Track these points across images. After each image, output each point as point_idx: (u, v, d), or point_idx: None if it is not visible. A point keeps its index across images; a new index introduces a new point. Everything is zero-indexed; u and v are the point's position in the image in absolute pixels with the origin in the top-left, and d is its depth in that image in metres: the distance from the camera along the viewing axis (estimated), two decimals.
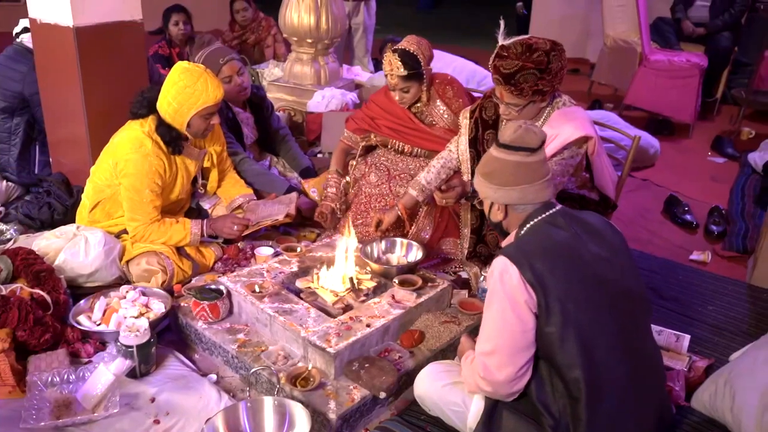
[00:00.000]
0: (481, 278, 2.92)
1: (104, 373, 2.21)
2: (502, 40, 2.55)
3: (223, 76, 3.44)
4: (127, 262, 3.00)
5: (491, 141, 2.86)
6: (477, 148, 2.89)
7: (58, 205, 3.39)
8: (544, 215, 1.96)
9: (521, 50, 2.48)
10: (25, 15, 3.45)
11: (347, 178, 3.42)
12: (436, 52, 3.37)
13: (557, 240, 1.90)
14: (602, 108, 6.14)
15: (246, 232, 3.11)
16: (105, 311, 2.65)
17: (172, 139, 2.95)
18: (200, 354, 2.66)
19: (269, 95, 4.45)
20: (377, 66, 6.66)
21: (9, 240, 3.16)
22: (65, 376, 2.31)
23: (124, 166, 2.89)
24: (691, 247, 3.80)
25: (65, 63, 3.26)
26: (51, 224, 3.30)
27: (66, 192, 3.45)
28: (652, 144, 5.02)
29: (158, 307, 2.69)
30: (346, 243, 2.78)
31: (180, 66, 2.91)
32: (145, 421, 2.20)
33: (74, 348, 2.50)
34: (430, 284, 2.77)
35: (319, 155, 4.64)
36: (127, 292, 2.74)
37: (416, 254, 2.95)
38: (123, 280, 2.99)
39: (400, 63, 3.06)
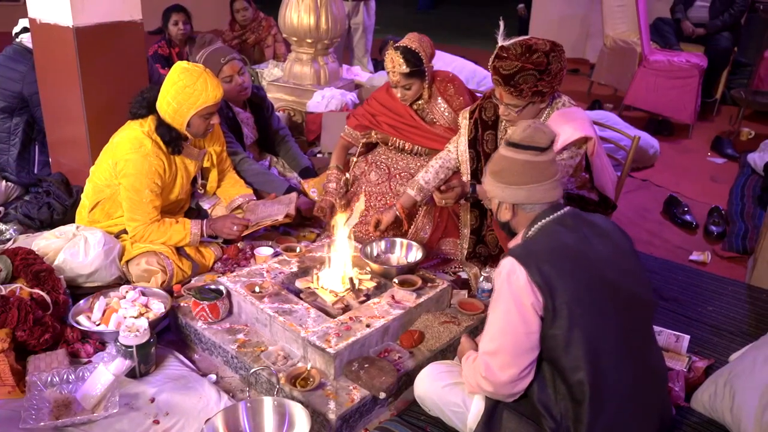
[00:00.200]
0: (481, 278, 2.93)
1: (104, 373, 2.21)
2: (501, 41, 2.55)
3: (223, 75, 3.45)
4: (127, 262, 2.99)
5: (491, 142, 2.86)
6: (476, 149, 2.89)
7: (57, 205, 3.39)
8: (552, 216, 1.95)
9: (521, 51, 2.48)
10: (25, 15, 3.45)
11: (347, 175, 3.42)
12: (436, 52, 3.37)
13: (566, 242, 1.89)
14: (602, 108, 6.15)
15: (246, 233, 3.11)
16: (104, 311, 2.65)
17: (171, 139, 2.95)
18: (200, 354, 2.66)
19: (269, 95, 4.45)
20: (377, 66, 6.67)
21: (8, 240, 3.15)
22: (65, 376, 2.30)
23: (123, 166, 2.88)
24: (691, 247, 3.80)
25: (65, 63, 3.26)
26: (50, 224, 3.30)
27: (65, 192, 3.45)
28: (651, 144, 5.02)
29: (158, 307, 2.69)
30: (344, 239, 2.78)
31: (179, 66, 2.91)
32: (144, 421, 2.20)
33: (74, 348, 2.50)
34: (429, 284, 2.77)
35: (319, 155, 4.65)
36: (126, 292, 2.74)
37: (416, 254, 2.95)
38: (122, 280, 2.99)
39: (402, 60, 3.06)
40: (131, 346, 2.33)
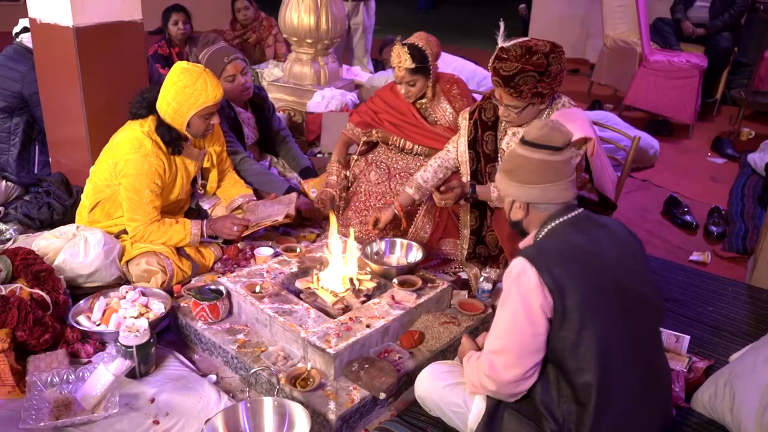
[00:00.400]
0: (481, 279, 2.92)
1: (104, 373, 2.21)
2: (501, 42, 2.55)
3: (226, 75, 3.45)
4: (127, 262, 2.99)
5: (490, 142, 2.87)
6: (476, 150, 2.89)
7: (57, 205, 3.39)
8: (565, 217, 1.94)
9: (521, 52, 2.48)
10: (25, 15, 3.45)
11: (347, 173, 3.43)
12: None
13: (578, 244, 1.87)
14: (602, 108, 6.15)
15: (246, 233, 3.11)
16: (104, 311, 2.65)
17: (171, 139, 2.95)
18: (200, 354, 2.66)
19: (269, 95, 4.45)
20: (377, 66, 6.67)
21: (8, 240, 3.15)
22: (65, 377, 2.30)
23: (123, 166, 2.88)
24: (691, 247, 3.80)
25: (65, 63, 3.26)
26: (50, 224, 3.30)
27: (65, 192, 3.44)
28: (651, 144, 5.03)
29: (158, 308, 2.69)
30: (343, 241, 2.78)
31: (179, 66, 2.90)
32: (144, 421, 2.20)
33: (74, 348, 2.49)
34: (429, 285, 2.77)
35: (319, 155, 4.64)
36: (126, 292, 2.74)
37: (416, 255, 2.95)
38: (123, 280, 2.99)
39: (408, 56, 3.09)
40: (131, 347, 2.33)
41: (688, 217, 4.10)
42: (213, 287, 2.68)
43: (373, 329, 2.45)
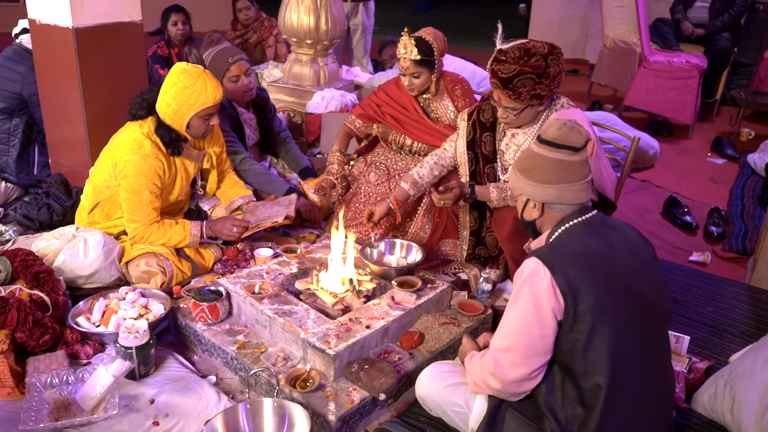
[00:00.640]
0: (481, 280, 2.92)
1: (103, 374, 2.20)
2: (500, 44, 2.55)
3: (230, 75, 3.47)
4: (127, 263, 2.99)
5: (489, 143, 2.86)
6: (475, 150, 2.89)
7: (57, 206, 3.38)
8: (580, 218, 1.92)
9: (519, 54, 2.48)
10: (25, 15, 3.45)
11: (347, 172, 3.43)
12: None
13: (592, 247, 1.86)
14: (602, 109, 6.15)
15: (245, 234, 3.11)
16: (104, 312, 2.65)
17: (171, 140, 2.95)
18: (199, 355, 2.66)
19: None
20: (376, 67, 6.67)
21: (8, 241, 3.15)
22: (64, 378, 2.30)
23: (123, 167, 2.88)
24: (691, 248, 3.80)
25: (64, 64, 3.26)
26: (50, 225, 3.30)
27: (65, 193, 3.44)
28: (651, 145, 5.03)
29: (157, 309, 2.69)
30: (344, 242, 2.78)
31: (179, 67, 2.90)
32: (144, 422, 2.20)
33: (73, 349, 2.49)
34: (429, 286, 2.77)
35: (318, 156, 4.64)
36: (126, 293, 2.74)
37: (416, 255, 2.95)
38: (122, 281, 2.99)
39: (414, 47, 3.11)
40: (131, 348, 2.33)
41: (688, 218, 4.10)
42: (213, 288, 2.68)
43: (373, 330, 2.45)
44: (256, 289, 2.66)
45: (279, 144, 3.93)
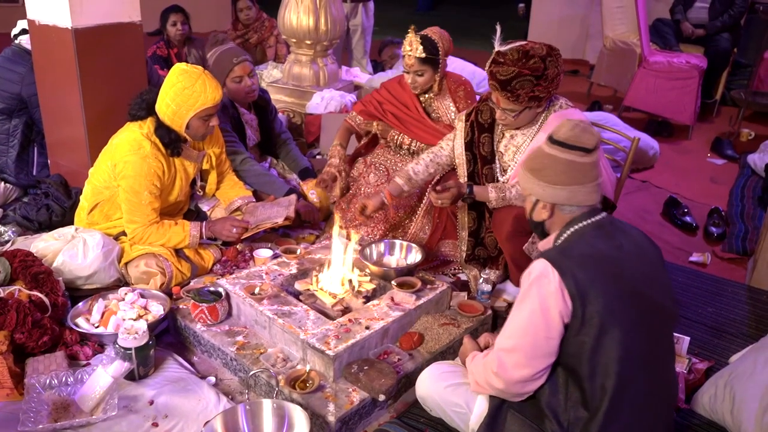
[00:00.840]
0: (480, 280, 2.92)
1: (102, 375, 2.20)
2: (498, 46, 2.55)
3: (234, 75, 3.47)
4: (126, 264, 2.99)
5: (487, 144, 2.86)
6: (473, 151, 2.89)
7: (56, 206, 3.38)
8: (590, 220, 1.90)
9: (517, 56, 2.48)
10: (24, 16, 3.45)
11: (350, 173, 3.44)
12: None
13: (601, 249, 1.84)
14: (601, 109, 6.15)
15: (245, 235, 3.10)
16: (103, 313, 2.64)
17: (170, 140, 2.94)
18: (199, 356, 2.65)
19: None
20: (376, 67, 6.66)
21: (7, 242, 3.15)
22: (63, 379, 2.30)
23: (122, 167, 2.88)
24: (691, 248, 3.79)
25: (64, 64, 3.26)
26: (49, 226, 3.29)
27: (64, 194, 3.44)
28: (651, 145, 5.02)
29: (157, 310, 2.69)
30: (344, 244, 2.78)
31: (178, 68, 2.90)
32: (143, 423, 2.19)
33: (72, 350, 2.49)
34: (429, 286, 2.77)
35: (318, 157, 4.64)
36: (125, 294, 2.73)
37: (415, 256, 2.95)
38: (121, 282, 2.99)
39: (420, 45, 3.12)
40: (130, 349, 2.33)
41: (687, 218, 4.10)
42: (212, 289, 2.68)
43: (373, 331, 2.45)
44: (256, 290, 2.66)
45: (279, 145, 3.93)
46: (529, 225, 2.67)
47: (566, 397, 1.84)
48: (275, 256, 3.03)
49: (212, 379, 2.50)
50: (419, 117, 3.33)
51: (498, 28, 2.60)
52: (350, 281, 2.71)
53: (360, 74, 6.08)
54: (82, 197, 3.14)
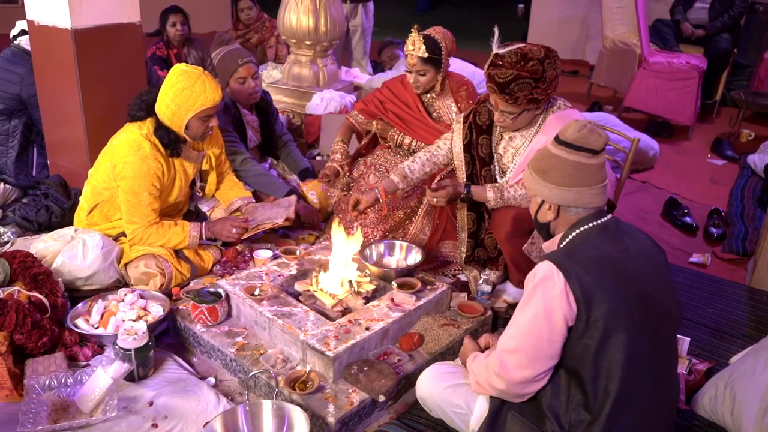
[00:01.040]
0: (481, 281, 2.92)
1: (102, 376, 2.20)
2: (496, 48, 2.54)
3: (238, 76, 3.49)
4: (126, 265, 2.98)
5: (485, 146, 2.86)
6: (471, 153, 2.89)
7: (55, 207, 3.38)
8: (596, 222, 1.89)
9: (516, 59, 2.47)
10: (23, 17, 3.45)
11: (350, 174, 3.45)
12: None
13: (607, 252, 1.83)
14: (601, 110, 6.15)
15: (245, 236, 3.10)
16: (103, 314, 2.64)
17: (170, 141, 2.94)
18: (198, 357, 2.65)
19: None
20: (376, 68, 6.67)
21: (6, 243, 3.14)
22: (63, 380, 2.29)
23: (122, 168, 2.88)
24: (691, 249, 3.79)
25: (63, 65, 3.26)
26: (49, 227, 3.29)
27: (64, 194, 3.44)
28: (651, 146, 5.02)
29: (156, 310, 2.68)
30: (346, 245, 2.77)
31: (178, 68, 2.90)
32: (143, 424, 2.19)
33: (72, 351, 2.49)
34: (429, 287, 2.76)
35: (318, 158, 4.63)
36: (125, 295, 2.73)
37: (415, 257, 2.95)
38: (121, 283, 2.98)
39: (422, 44, 3.13)
40: (130, 350, 2.33)
41: (688, 219, 4.09)
42: (212, 290, 2.67)
43: (372, 332, 2.45)
44: (256, 291, 2.65)
45: (280, 147, 3.93)
46: (528, 225, 2.69)
47: (568, 398, 1.84)
48: (275, 257, 3.03)
49: (212, 380, 2.50)
50: (420, 116, 3.34)
51: (496, 30, 2.59)
52: (350, 282, 2.71)
53: (360, 75, 6.08)
54: (81, 198, 3.14)
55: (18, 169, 3.75)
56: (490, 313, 2.80)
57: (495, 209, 2.83)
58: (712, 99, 6.48)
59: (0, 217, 3.52)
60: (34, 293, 2.56)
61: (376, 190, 2.99)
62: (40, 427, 2.11)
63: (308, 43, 5.14)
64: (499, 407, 1.95)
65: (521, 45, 2.52)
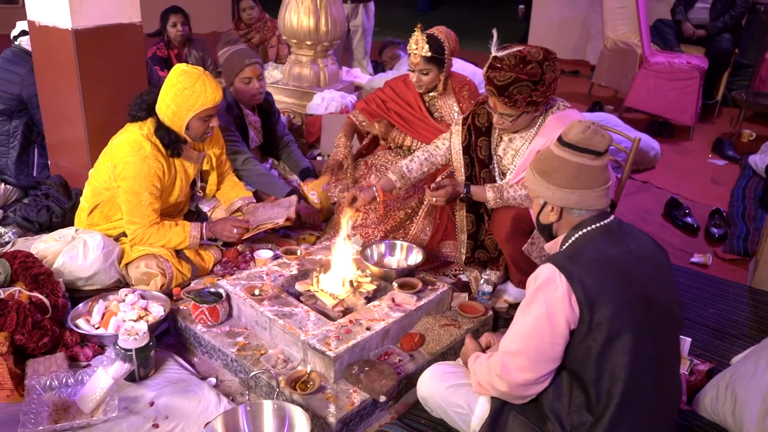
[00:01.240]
0: (481, 281, 2.91)
1: (103, 376, 2.20)
2: (495, 51, 2.54)
3: (243, 76, 3.50)
4: (126, 265, 2.98)
5: (484, 148, 2.86)
6: (470, 155, 2.89)
7: (56, 207, 3.38)
8: (599, 224, 1.87)
9: (515, 62, 2.47)
10: (23, 17, 3.45)
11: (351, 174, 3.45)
12: None
13: (610, 254, 1.82)
14: (602, 110, 6.15)
15: (245, 236, 3.10)
16: (104, 314, 2.64)
17: (171, 141, 2.94)
18: (199, 357, 2.65)
19: None
20: (376, 68, 6.66)
21: (7, 243, 3.14)
22: (64, 380, 2.29)
23: (122, 168, 2.88)
24: (692, 249, 3.79)
25: (64, 65, 3.26)
26: (49, 227, 3.29)
27: (64, 195, 3.44)
28: (652, 146, 5.02)
29: (157, 311, 2.68)
30: (346, 245, 2.77)
31: (179, 68, 2.90)
32: (144, 425, 2.19)
33: (73, 351, 2.49)
34: (430, 287, 2.76)
35: (319, 158, 4.63)
36: (126, 295, 2.73)
37: (416, 257, 2.94)
38: (122, 283, 2.98)
39: (426, 44, 3.13)
40: (130, 350, 2.32)
41: (689, 219, 4.09)
42: (212, 290, 2.67)
43: (373, 332, 2.44)
44: (256, 291, 2.65)
45: (282, 147, 3.93)
46: (528, 225, 2.69)
47: (570, 400, 1.83)
48: (276, 257, 3.03)
49: (213, 380, 2.50)
50: (422, 116, 3.34)
51: (494, 32, 2.58)
52: (351, 282, 2.70)
53: (360, 75, 6.08)
54: (82, 198, 3.14)
55: (19, 169, 3.75)
56: (491, 313, 2.79)
57: (495, 210, 2.83)
58: (713, 99, 6.48)
59: (1, 217, 3.52)
60: (35, 293, 2.56)
61: (374, 188, 2.99)
62: (40, 428, 2.11)
63: (309, 43, 5.13)
64: (500, 408, 1.95)
65: (520, 47, 2.51)
